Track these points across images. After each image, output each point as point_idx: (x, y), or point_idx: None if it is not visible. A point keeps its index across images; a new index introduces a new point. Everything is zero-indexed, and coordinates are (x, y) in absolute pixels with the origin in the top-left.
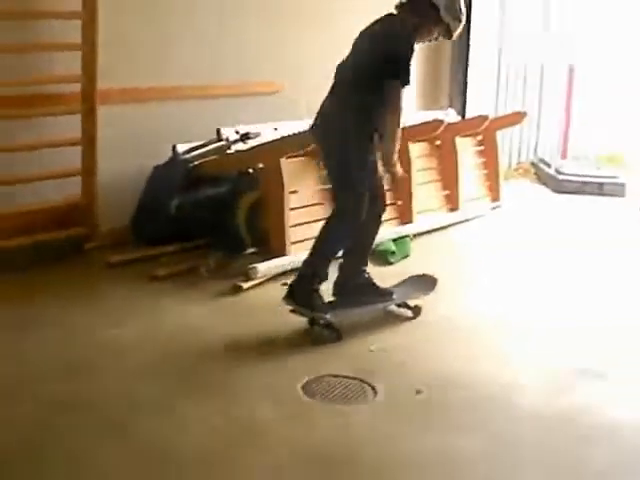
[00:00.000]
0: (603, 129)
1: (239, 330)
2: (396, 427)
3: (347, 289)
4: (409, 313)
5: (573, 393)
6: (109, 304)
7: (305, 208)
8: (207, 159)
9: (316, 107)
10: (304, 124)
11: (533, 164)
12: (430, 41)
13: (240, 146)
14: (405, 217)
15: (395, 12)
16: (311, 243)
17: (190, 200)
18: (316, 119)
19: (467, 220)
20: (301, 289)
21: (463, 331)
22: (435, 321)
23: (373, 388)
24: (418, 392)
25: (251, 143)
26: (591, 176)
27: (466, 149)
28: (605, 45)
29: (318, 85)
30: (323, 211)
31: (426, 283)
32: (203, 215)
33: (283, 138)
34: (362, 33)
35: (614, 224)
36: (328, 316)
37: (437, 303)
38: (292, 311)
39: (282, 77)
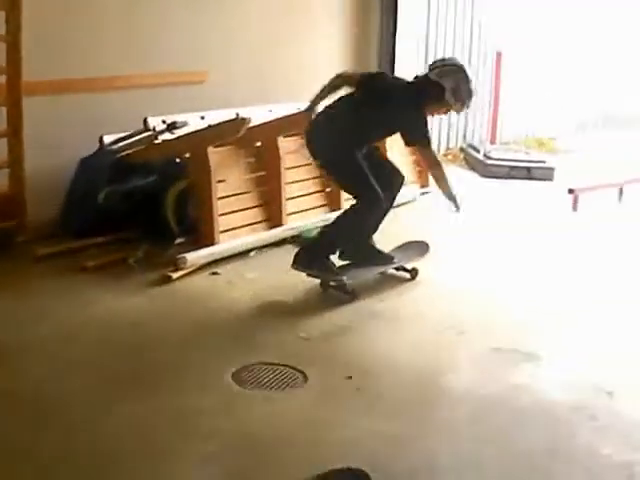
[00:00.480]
0: (532, 114)
1: (168, 320)
2: (327, 413)
3: (351, 251)
4: (407, 275)
5: (508, 375)
6: (39, 297)
7: (233, 197)
8: (134, 149)
9: (242, 96)
10: (231, 113)
11: (462, 149)
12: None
13: (167, 136)
14: (334, 204)
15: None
16: (240, 231)
17: (118, 191)
18: (310, 134)
19: (397, 205)
20: (312, 255)
21: (394, 317)
22: (366, 307)
23: (304, 374)
24: (348, 378)
25: (178, 133)
26: (519, 161)
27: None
28: (532, 30)
29: (244, 74)
30: (252, 199)
31: (420, 248)
32: (131, 205)
33: (210, 127)
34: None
35: (542, 208)
36: (345, 278)
37: (367, 290)
38: (309, 275)
39: (208, 66)
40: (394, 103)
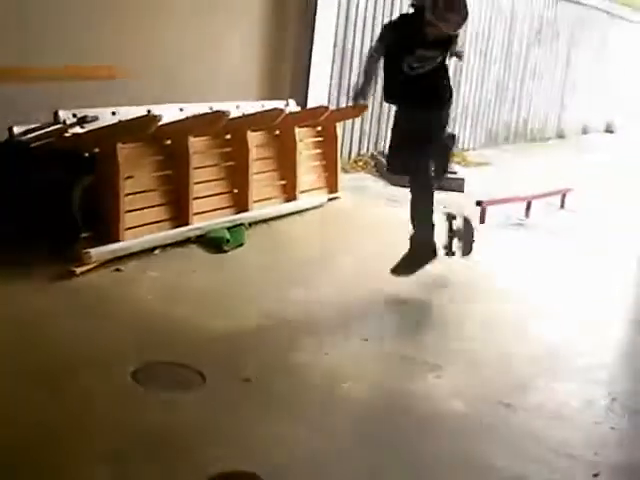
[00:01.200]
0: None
1: (70, 316)
2: (223, 415)
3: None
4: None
5: (411, 383)
6: None
7: (140, 194)
8: (44, 141)
9: (155, 93)
10: (142, 110)
11: (373, 157)
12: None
13: (77, 129)
14: (241, 205)
15: None
16: (145, 229)
17: (25, 183)
18: None
19: (304, 210)
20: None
21: (290, 321)
22: (264, 310)
23: (202, 375)
24: (246, 380)
25: (88, 127)
26: None
27: (305, 139)
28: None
29: (159, 70)
30: (159, 197)
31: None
32: (37, 198)
33: (120, 123)
34: None
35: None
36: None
37: (265, 295)
38: None
39: (122, 62)
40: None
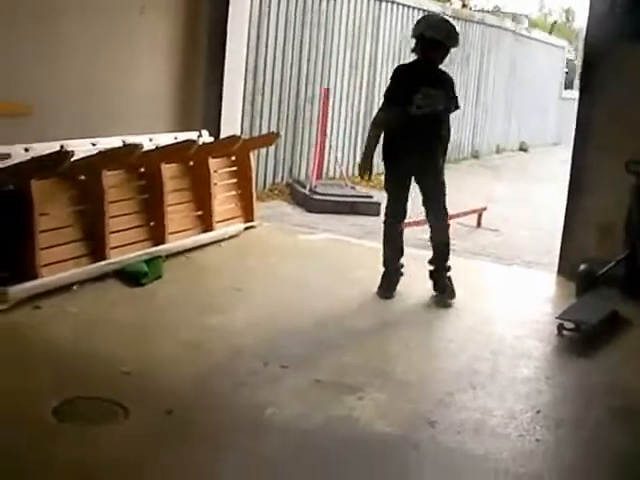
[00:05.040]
0: (359, 150)
1: None
2: (146, 450)
3: None
4: None
5: (330, 407)
6: None
7: (56, 230)
8: None
9: (66, 129)
10: (55, 145)
11: (288, 185)
12: None
13: None
14: (158, 238)
15: None
16: (62, 265)
17: None
18: None
19: (221, 240)
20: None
21: (209, 350)
22: (183, 341)
23: (125, 409)
24: (169, 412)
25: (0, 164)
26: (345, 196)
27: (220, 170)
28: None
29: (69, 106)
30: (75, 233)
31: None
32: None
33: (33, 159)
34: None
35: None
36: None
37: (183, 326)
38: None
39: (32, 99)
40: None
